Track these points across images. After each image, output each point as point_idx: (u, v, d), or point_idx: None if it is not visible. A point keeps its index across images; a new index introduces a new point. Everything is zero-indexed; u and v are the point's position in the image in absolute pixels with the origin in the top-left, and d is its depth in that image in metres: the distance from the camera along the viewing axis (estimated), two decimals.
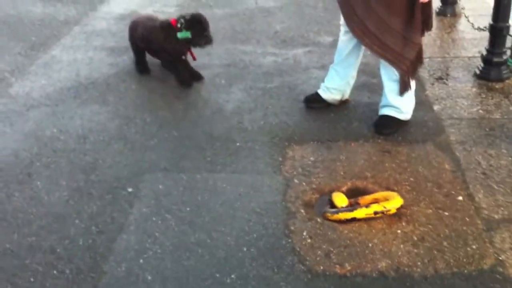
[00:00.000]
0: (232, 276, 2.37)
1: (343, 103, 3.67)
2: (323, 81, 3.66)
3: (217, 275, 2.37)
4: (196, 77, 4.11)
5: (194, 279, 2.35)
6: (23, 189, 2.94)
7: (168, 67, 4.13)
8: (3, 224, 2.69)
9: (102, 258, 2.48)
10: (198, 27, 3.91)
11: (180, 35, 3.89)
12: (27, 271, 2.41)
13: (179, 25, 3.90)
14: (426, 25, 3.20)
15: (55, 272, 2.41)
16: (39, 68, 4.39)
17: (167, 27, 3.96)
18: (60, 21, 5.40)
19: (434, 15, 5.04)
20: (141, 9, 5.76)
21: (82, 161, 3.18)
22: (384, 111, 3.40)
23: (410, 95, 3.36)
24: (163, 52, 4.07)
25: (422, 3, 3.04)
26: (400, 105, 3.34)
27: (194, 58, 4.11)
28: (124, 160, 3.18)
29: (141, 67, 4.29)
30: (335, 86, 3.59)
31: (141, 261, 2.46)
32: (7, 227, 2.68)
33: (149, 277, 2.37)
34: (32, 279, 2.37)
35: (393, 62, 3.19)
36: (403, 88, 3.28)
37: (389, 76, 3.30)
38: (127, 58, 4.51)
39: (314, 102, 3.67)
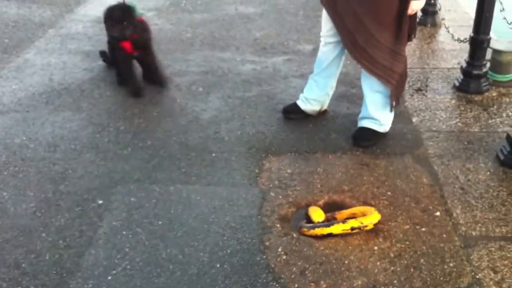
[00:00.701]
0: None
1: (321, 113, 3.62)
2: (302, 91, 3.60)
3: None
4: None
5: None
6: None
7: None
8: None
9: (68, 274, 2.38)
10: (110, 14, 3.75)
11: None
12: None
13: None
14: (409, 36, 3.17)
15: None
16: (10, 71, 4.26)
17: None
18: (34, 23, 5.28)
19: None
20: None
21: (51, 170, 3.08)
22: (363, 123, 3.36)
23: (389, 107, 3.32)
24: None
25: (409, 15, 3.01)
26: (379, 117, 3.30)
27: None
28: (96, 170, 3.09)
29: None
30: (315, 97, 3.53)
31: (109, 277, 2.36)
32: None
33: None
34: None
35: (382, 77, 3.15)
36: (393, 103, 3.25)
37: (370, 87, 3.26)
38: (103, 63, 4.41)
39: (293, 113, 3.61)
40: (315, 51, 3.66)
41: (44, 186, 2.94)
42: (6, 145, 3.30)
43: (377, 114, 3.30)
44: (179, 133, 3.47)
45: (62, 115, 3.66)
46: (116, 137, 3.42)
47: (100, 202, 2.83)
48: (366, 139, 3.32)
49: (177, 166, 3.13)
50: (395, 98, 3.25)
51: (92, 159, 3.19)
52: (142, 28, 3.87)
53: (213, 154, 3.25)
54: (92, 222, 2.69)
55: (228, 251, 2.52)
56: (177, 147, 3.32)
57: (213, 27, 5.28)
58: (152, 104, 3.81)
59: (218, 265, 2.43)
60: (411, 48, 4.71)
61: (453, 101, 3.84)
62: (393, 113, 3.36)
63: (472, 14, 3.93)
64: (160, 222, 2.69)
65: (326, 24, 3.27)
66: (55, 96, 3.90)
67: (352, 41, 3.11)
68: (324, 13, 3.25)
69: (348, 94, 3.91)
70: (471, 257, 2.46)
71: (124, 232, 2.62)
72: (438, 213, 2.74)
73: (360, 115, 3.40)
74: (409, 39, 3.19)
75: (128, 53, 3.90)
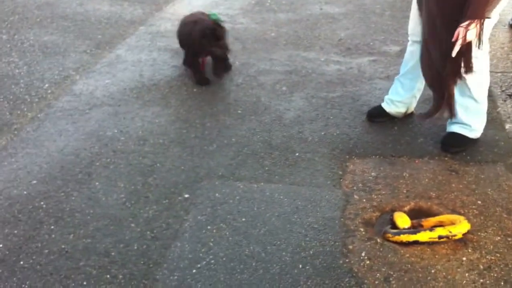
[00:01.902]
0: None
1: (407, 116, 3.54)
2: (387, 93, 3.53)
3: None
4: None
5: None
6: (81, 189, 2.95)
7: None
8: (60, 224, 2.71)
9: (155, 265, 2.46)
10: (213, 32, 3.92)
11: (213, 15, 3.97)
12: (80, 274, 2.41)
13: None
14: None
15: (108, 276, 2.40)
16: (103, 67, 4.44)
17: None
18: (126, 21, 5.47)
19: (506, 29, 4.83)
20: (206, 11, 5.75)
21: (140, 163, 3.18)
22: (453, 128, 3.25)
23: (482, 112, 3.20)
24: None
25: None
26: (470, 122, 3.18)
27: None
28: (182, 164, 3.16)
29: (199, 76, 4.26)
30: (400, 99, 3.46)
31: (194, 271, 2.42)
32: (64, 227, 2.69)
33: None
34: (85, 283, 2.37)
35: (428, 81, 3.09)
36: (431, 113, 3.15)
37: (461, 91, 3.13)
38: None
39: (378, 116, 3.55)
40: (402, 52, 3.58)
41: (133, 178, 3.05)
42: (98, 137, 3.44)
43: (468, 119, 3.18)
44: (263, 131, 3.50)
45: (152, 110, 3.77)
46: (202, 133, 3.48)
47: (186, 196, 2.89)
48: (455, 145, 3.21)
49: (261, 164, 3.16)
50: (434, 109, 3.13)
51: (179, 153, 3.27)
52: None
53: (297, 154, 3.25)
54: (179, 215, 2.75)
55: (311, 252, 2.51)
56: (260, 145, 3.34)
57: (298, 26, 5.27)
58: (236, 102, 3.86)
59: (300, 266, 2.43)
60: (504, 52, 4.52)
61: None
62: (485, 118, 3.22)
63: None
64: (243, 219, 2.72)
65: (413, 21, 3.18)
66: (145, 92, 4.03)
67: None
68: (413, 10, 3.16)
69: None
70: None
71: (209, 227, 2.67)
72: None
73: (450, 120, 3.29)
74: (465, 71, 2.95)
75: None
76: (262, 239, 2.59)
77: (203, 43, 3.91)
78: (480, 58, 2.97)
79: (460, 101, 3.17)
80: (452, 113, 3.10)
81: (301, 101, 3.86)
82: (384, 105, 3.53)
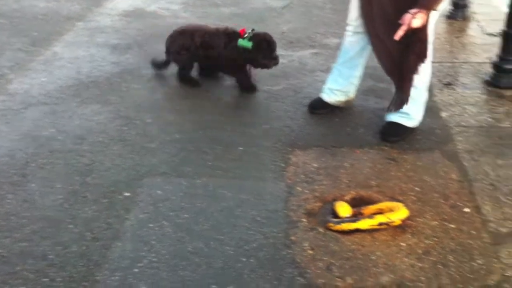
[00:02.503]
0: (230, 287, 2.29)
1: (348, 104, 3.58)
2: (325, 83, 3.56)
3: (214, 286, 2.29)
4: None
5: None
6: (16, 191, 2.85)
7: (228, 73, 4.00)
8: None
9: (95, 266, 2.40)
10: (266, 47, 3.76)
11: (240, 41, 3.72)
12: (17, 279, 2.32)
13: (245, 35, 3.75)
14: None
15: (46, 280, 2.33)
16: (39, 64, 4.32)
17: (232, 34, 3.82)
18: (63, 17, 5.34)
19: (443, 20, 4.96)
20: (146, 6, 5.70)
21: (79, 163, 3.10)
22: (392, 118, 3.31)
23: (422, 101, 3.27)
24: (220, 60, 3.89)
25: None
26: (409, 110, 3.24)
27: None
28: (123, 163, 3.10)
29: (189, 78, 4.06)
30: (339, 87, 3.50)
31: (135, 270, 2.37)
32: None
33: (144, 287, 2.29)
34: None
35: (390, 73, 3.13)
36: (399, 104, 3.19)
37: None
38: (130, 56, 4.45)
39: (319, 108, 3.59)
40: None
41: (71, 178, 2.97)
42: (34, 137, 3.34)
43: (407, 108, 3.23)
44: (206, 127, 3.47)
45: (90, 107, 3.69)
46: (144, 130, 3.43)
47: (127, 194, 2.84)
48: (394, 134, 3.28)
49: (204, 159, 3.14)
50: (400, 100, 3.18)
51: (119, 151, 3.21)
52: None
53: (240, 148, 3.24)
54: (119, 214, 2.70)
55: (254, 245, 2.51)
56: (204, 140, 3.32)
57: (241, 20, 5.26)
58: (179, 98, 3.82)
59: (243, 259, 2.43)
60: (440, 42, 4.64)
61: (484, 96, 3.77)
62: (423, 108, 3.30)
63: (504, 8, 3.84)
64: (186, 215, 2.69)
65: (355, 11, 3.23)
66: (83, 89, 3.94)
67: (373, 27, 3.07)
68: (354, 1, 3.21)
69: (376, 89, 3.86)
70: (500, 254, 2.41)
71: (151, 225, 2.63)
72: (467, 210, 2.69)
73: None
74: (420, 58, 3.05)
75: None
76: (205, 235, 2.57)
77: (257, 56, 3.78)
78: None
79: None
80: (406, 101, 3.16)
81: (244, 95, 3.85)
82: (324, 96, 3.56)
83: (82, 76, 4.13)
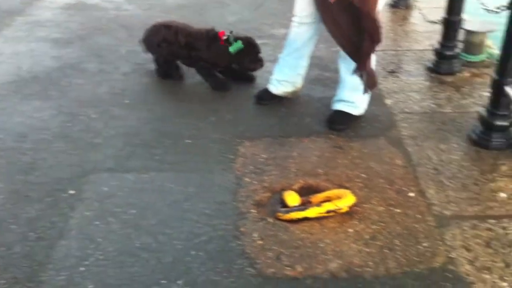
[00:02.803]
0: (179, 282, 2.27)
1: (295, 94, 3.60)
2: (272, 74, 3.56)
3: (163, 281, 2.27)
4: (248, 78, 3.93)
5: (139, 286, 2.24)
6: None
7: (203, 74, 3.90)
8: None
9: (40, 266, 2.34)
10: (251, 50, 3.77)
11: (232, 48, 3.70)
12: None
13: (225, 37, 3.73)
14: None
15: None
16: None
17: (213, 37, 3.79)
18: (1, 11, 5.16)
19: (387, 9, 5.03)
20: None
21: (20, 161, 3.01)
22: (338, 106, 3.35)
23: None
24: (202, 61, 3.84)
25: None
26: (355, 99, 3.29)
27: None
28: (67, 160, 3.03)
29: (170, 73, 3.98)
30: (286, 78, 3.51)
31: (82, 268, 2.33)
32: None
33: (90, 286, 2.24)
34: None
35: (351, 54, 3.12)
36: (369, 85, 3.18)
37: (347, 69, 3.21)
38: (72, 50, 4.34)
39: (266, 99, 3.59)
40: None
41: (13, 177, 2.88)
42: None
43: (353, 97, 3.28)
44: (153, 120, 3.43)
45: (32, 104, 3.59)
46: (88, 125, 3.36)
47: (72, 192, 2.78)
48: (340, 123, 3.31)
49: (151, 153, 3.09)
50: (368, 81, 3.19)
51: (63, 148, 3.13)
52: None
53: (188, 141, 3.21)
54: (64, 212, 2.64)
55: (203, 238, 2.49)
56: (151, 134, 3.28)
57: (186, 12, 5.21)
58: (124, 92, 3.75)
59: (193, 252, 2.41)
60: (384, 31, 4.69)
61: (426, 83, 3.85)
62: (368, 95, 3.35)
63: None
64: (133, 211, 2.65)
65: (302, 2, 3.22)
66: (23, 85, 3.82)
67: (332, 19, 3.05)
68: None
69: (322, 78, 3.89)
70: (444, 237, 2.48)
71: (97, 222, 2.58)
72: (412, 194, 2.75)
73: (335, 98, 3.39)
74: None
75: None
76: (153, 230, 2.54)
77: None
78: None
79: (345, 78, 3.28)
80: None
81: (192, 87, 3.82)
82: (271, 87, 3.56)
83: (23, 72, 4.00)
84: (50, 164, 2.99)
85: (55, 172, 2.93)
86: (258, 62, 3.82)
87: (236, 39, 3.73)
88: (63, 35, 4.61)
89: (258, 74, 3.97)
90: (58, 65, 4.12)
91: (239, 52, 3.72)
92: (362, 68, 3.10)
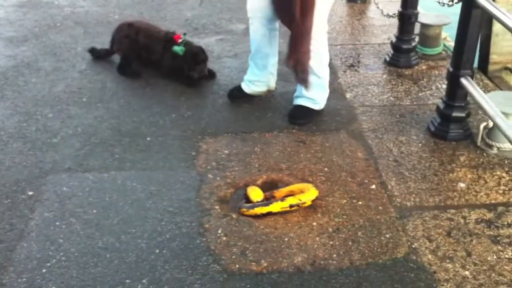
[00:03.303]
0: (144, 281, 2.24)
1: (268, 93, 3.58)
2: (238, 71, 3.56)
3: (127, 281, 2.24)
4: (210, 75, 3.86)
5: (103, 287, 2.21)
6: None
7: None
8: None
9: (0, 269, 2.28)
10: (190, 58, 3.70)
11: (175, 48, 3.70)
12: None
13: (180, 41, 3.73)
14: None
15: None
16: None
17: (169, 40, 3.77)
18: None
19: (344, 3, 5.08)
20: None
21: None
22: (299, 101, 3.37)
23: (325, 86, 3.34)
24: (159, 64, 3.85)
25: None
26: (313, 96, 3.31)
27: None
28: (24, 160, 2.95)
29: (130, 70, 3.92)
30: (257, 78, 3.49)
31: (43, 270, 2.28)
32: None
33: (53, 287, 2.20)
34: None
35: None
36: (303, 82, 3.18)
37: None
38: (27, 48, 4.23)
39: (238, 97, 3.54)
40: (247, 30, 3.61)
41: None
42: None
43: (310, 94, 3.29)
44: (111, 118, 3.37)
45: None
46: (44, 125, 3.28)
47: (30, 193, 2.71)
48: (301, 117, 3.33)
49: (111, 152, 3.04)
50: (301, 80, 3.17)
51: (20, 149, 3.05)
52: None
53: (148, 139, 3.17)
54: (23, 214, 2.57)
55: (167, 236, 2.47)
56: (109, 133, 3.22)
57: (142, 8, 5.15)
58: (80, 90, 3.68)
59: (157, 251, 2.39)
60: (342, 25, 4.76)
61: (385, 76, 3.90)
62: (327, 91, 3.38)
63: None
64: (94, 211, 2.60)
65: (252, 1, 3.22)
66: None
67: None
68: None
69: (283, 73, 3.86)
70: (406, 228, 2.52)
71: (57, 223, 2.52)
72: (373, 186, 2.79)
73: (296, 94, 3.40)
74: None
75: None
76: (115, 229, 2.50)
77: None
78: (319, 39, 3.12)
79: None
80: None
81: (150, 85, 3.77)
82: (244, 87, 3.52)
83: None
84: (7, 165, 2.91)
85: (13, 173, 2.85)
86: (198, 72, 3.73)
87: (185, 44, 3.73)
88: (17, 34, 4.49)
89: (218, 69, 3.96)
90: (12, 64, 4.00)
91: (181, 58, 3.71)
92: (292, 57, 3.05)
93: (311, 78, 3.20)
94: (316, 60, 3.17)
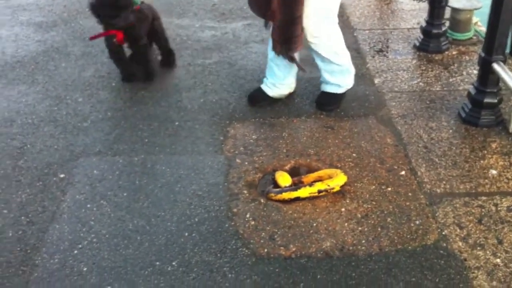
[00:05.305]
0: (174, 263, 2.27)
1: (289, 95, 3.44)
2: (265, 76, 3.38)
3: (158, 263, 2.27)
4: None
5: (133, 269, 2.24)
6: None
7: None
8: None
9: (33, 250, 2.33)
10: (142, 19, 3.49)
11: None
12: None
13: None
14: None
15: None
16: None
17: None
18: None
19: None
20: None
21: (9, 146, 2.98)
22: (325, 88, 3.34)
23: (347, 71, 3.25)
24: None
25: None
26: (337, 81, 3.26)
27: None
28: (55, 144, 3.00)
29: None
30: (281, 80, 3.32)
31: (75, 251, 2.32)
32: None
33: (85, 269, 2.24)
34: None
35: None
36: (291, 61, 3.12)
37: (323, 60, 3.19)
38: (56, 34, 4.27)
39: (260, 100, 3.37)
40: None
41: (3, 162, 2.85)
42: None
43: (334, 79, 3.25)
44: (140, 103, 3.39)
45: (17, 88, 3.53)
46: (75, 109, 3.32)
47: (62, 176, 2.75)
48: (329, 104, 3.31)
49: (140, 136, 3.07)
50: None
51: (51, 132, 3.10)
52: (139, 18, 3.50)
53: (176, 123, 3.19)
54: (55, 196, 2.62)
55: (196, 219, 2.49)
56: (138, 117, 3.25)
57: None
58: (110, 75, 3.71)
59: (186, 234, 2.41)
60: (371, 10, 4.70)
61: (414, 61, 3.85)
62: (352, 72, 3.29)
63: None
64: (125, 194, 2.64)
65: None
66: (8, 70, 3.76)
67: None
68: None
69: (309, 58, 3.85)
70: (436, 214, 2.50)
71: (89, 206, 2.56)
72: (403, 173, 2.77)
73: (321, 79, 3.35)
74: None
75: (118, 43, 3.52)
76: (145, 212, 2.53)
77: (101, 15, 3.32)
78: (332, 34, 3.08)
79: (324, 67, 3.22)
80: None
81: (178, 70, 3.78)
82: (265, 89, 3.37)
83: (7, 57, 3.94)
84: (39, 148, 2.96)
85: (44, 156, 2.90)
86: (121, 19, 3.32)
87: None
88: (47, 19, 4.54)
89: (245, 54, 3.95)
90: (42, 49, 4.05)
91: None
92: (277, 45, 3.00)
93: (333, 67, 3.18)
94: (330, 53, 3.12)
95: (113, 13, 3.29)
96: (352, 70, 3.31)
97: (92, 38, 3.52)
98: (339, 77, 3.25)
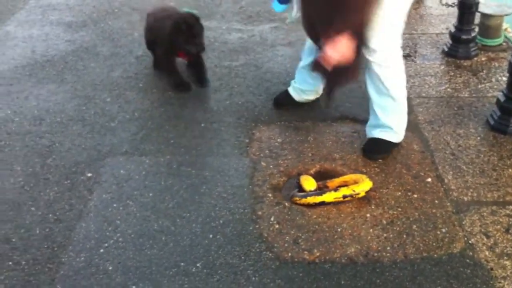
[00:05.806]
0: (198, 264, 2.28)
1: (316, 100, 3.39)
2: (294, 80, 3.34)
3: (182, 263, 2.28)
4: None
5: (158, 269, 2.26)
6: None
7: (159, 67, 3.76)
8: None
9: (60, 248, 2.36)
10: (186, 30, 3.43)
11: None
12: None
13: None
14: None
15: (10, 263, 2.29)
16: None
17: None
18: None
19: None
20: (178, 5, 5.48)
21: (38, 144, 3.02)
22: (374, 133, 2.94)
23: (402, 111, 2.90)
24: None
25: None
26: (392, 124, 2.87)
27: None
28: (83, 143, 3.04)
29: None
30: (310, 87, 3.25)
31: (101, 250, 2.34)
32: None
33: (110, 267, 2.26)
34: None
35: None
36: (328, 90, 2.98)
37: (376, 88, 2.81)
38: (85, 34, 4.33)
39: (287, 104, 3.34)
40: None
41: (31, 160, 2.90)
42: None
43: (388, 120, 2.86)
44: (166, 104, 3.42)
45: (46, 87, 3.59)
46: (103, 109, 3.36)
47: (89, 175, 2.79)
48: (378, 152, 2.93)
49: (166, 137, 3.09)
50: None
51: (79, 131, 3.14)
52: None
53: (202, 125, 3.21)
54: (82, 195, 2.65)
55: (221, 221, 2.50)
56: (165, 118, 3.27)
57: None
58: (137, 76, 3.74)
59: (211, 236, 2.42)
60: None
61: (442, 67, 3.81)
62: (405, 120, 2.94)
63: None
64: (150, 194, 2.66)
65: None
66: (38, 69, 3.82)
67: None
68: None
69: None
70: (463, 223, 2.47)
71: (115, 205, 2.59)
72: (429, 179, 2.74)
73: (369, 123, 2.99)
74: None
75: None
76: (171, 213, 2.55)
77: (176, 40, 3.41)
78: (393, 52, 2.77)
79: (377, 100, 2.86)
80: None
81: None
82: (292, 93, 3.32)
83: (37, 56, 4.00)
84: (67, 147, 3.00)
85: (72, 155, 2.94)
86: (194, 45, 3.45)
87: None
88: (76, 19, 4.60)
89: (272, 57, 3.95)
90: (71, 49, 4.11)
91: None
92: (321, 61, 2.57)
93: (386, 101, 2.83)
94: (390, 78, 2.77)
95: (188, 39, 3.40)
96: (405, 117, 2.93)
97: None
98: (391, 116, 2.86)
